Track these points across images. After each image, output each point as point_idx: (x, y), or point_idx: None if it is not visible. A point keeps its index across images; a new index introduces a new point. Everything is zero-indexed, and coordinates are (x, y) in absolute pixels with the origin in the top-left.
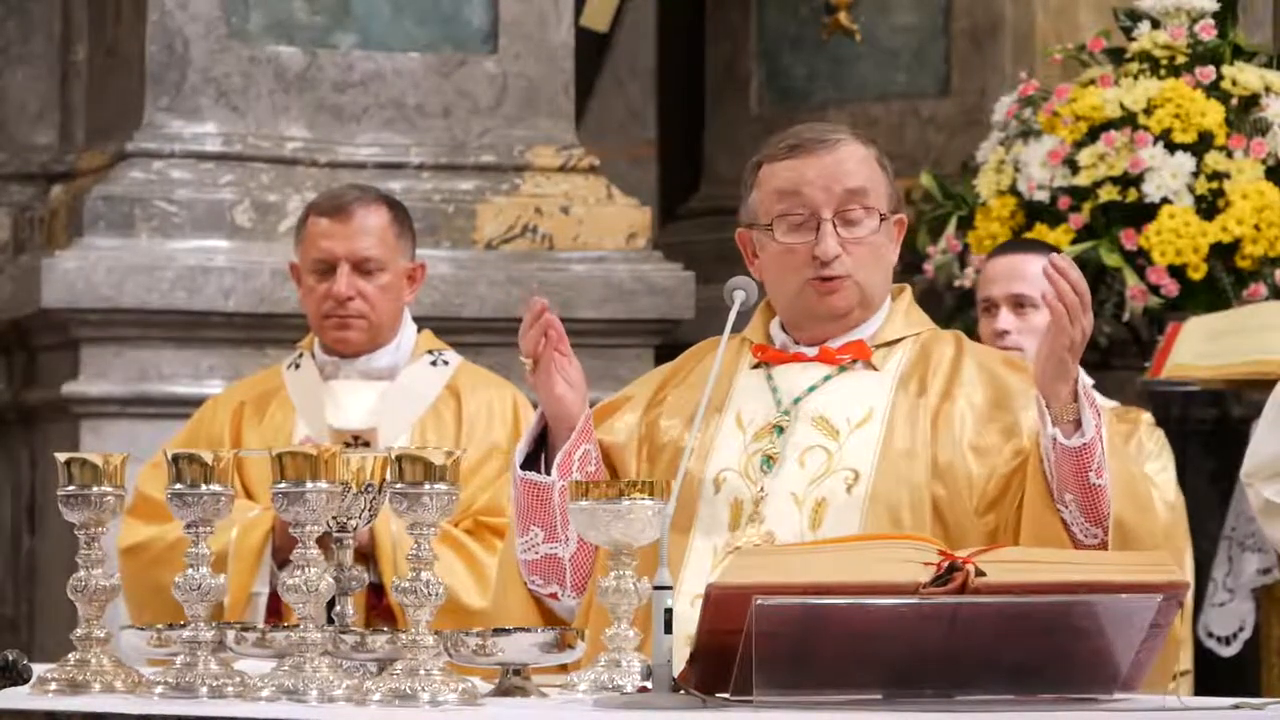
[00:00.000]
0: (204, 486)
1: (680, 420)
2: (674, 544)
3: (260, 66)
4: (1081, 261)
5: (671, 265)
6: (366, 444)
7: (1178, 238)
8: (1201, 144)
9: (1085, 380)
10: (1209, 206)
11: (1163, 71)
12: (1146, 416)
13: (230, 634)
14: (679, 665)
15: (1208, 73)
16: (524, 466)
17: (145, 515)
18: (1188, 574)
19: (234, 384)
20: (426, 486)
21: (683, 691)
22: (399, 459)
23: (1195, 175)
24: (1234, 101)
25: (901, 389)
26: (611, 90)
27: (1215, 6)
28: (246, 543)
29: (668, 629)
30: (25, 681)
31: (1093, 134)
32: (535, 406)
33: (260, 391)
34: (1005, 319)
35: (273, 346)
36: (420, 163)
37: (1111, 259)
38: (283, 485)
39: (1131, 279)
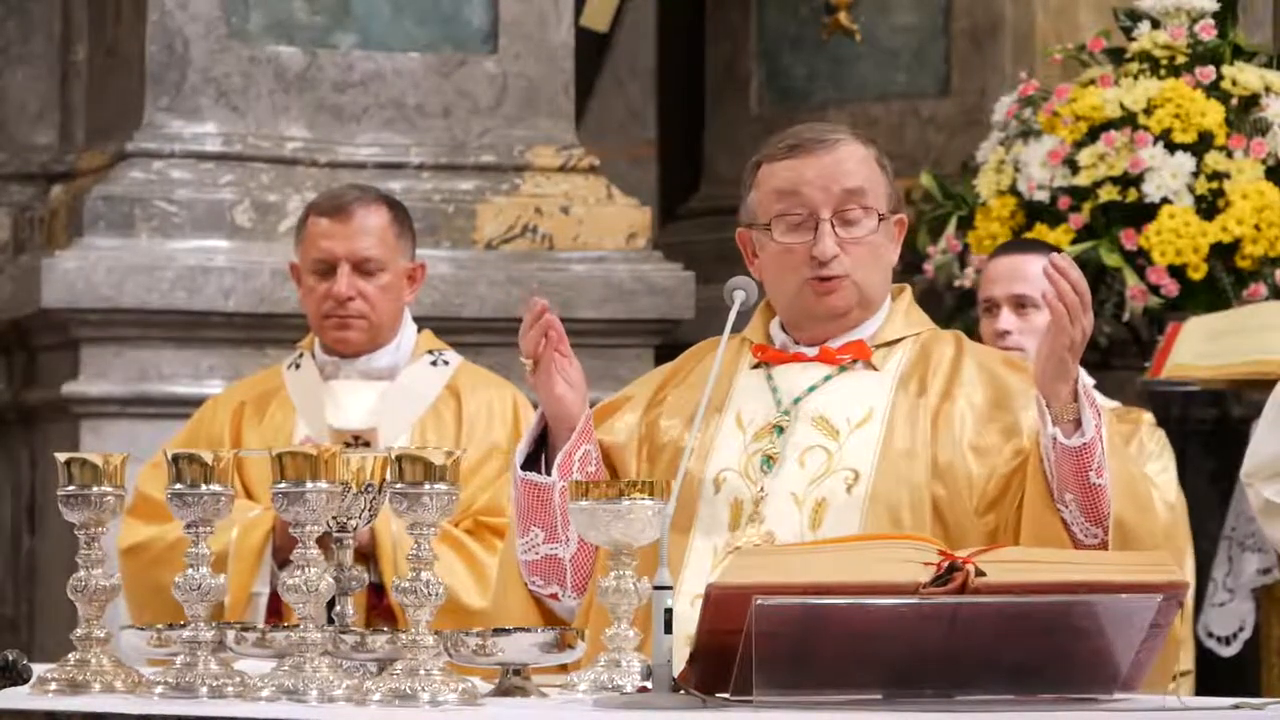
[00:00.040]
0: (204, 486)
1: (680, 420)
2: (674, 544)
3: (260, 66)
4: (1081, 261)
5: (671, 265)
6: (367, 444)
7: (1178, 238)
8: (1201, 144)
9: (1086, 380)
10: (1209, 206)
11: (1163, 71)
12: (1148, 417)
13: (230, 634)
14: (679, 665)
15: (1208, 73)
16: (524, 467)
17: (145, 515)
18: (1188, 574)
19: (234, 384)
20: (426, 486)
21: (683, 691)
22: (399, 459)
23: (1195, 175)
24: (1234, 101)
25: (901, 389)
26: (611, 90)
27: (1215, 6)
28: (247, 543)
29: (668, 629)
30: (25, 681)
31: (1093, 134)
32: (535, 406)
33: (260, 391)
34: (1007, 319)
35: (273, 346)
36: (420, 163)
37: (1111, 259)
38: (283, 485)
39: (1131, 279)
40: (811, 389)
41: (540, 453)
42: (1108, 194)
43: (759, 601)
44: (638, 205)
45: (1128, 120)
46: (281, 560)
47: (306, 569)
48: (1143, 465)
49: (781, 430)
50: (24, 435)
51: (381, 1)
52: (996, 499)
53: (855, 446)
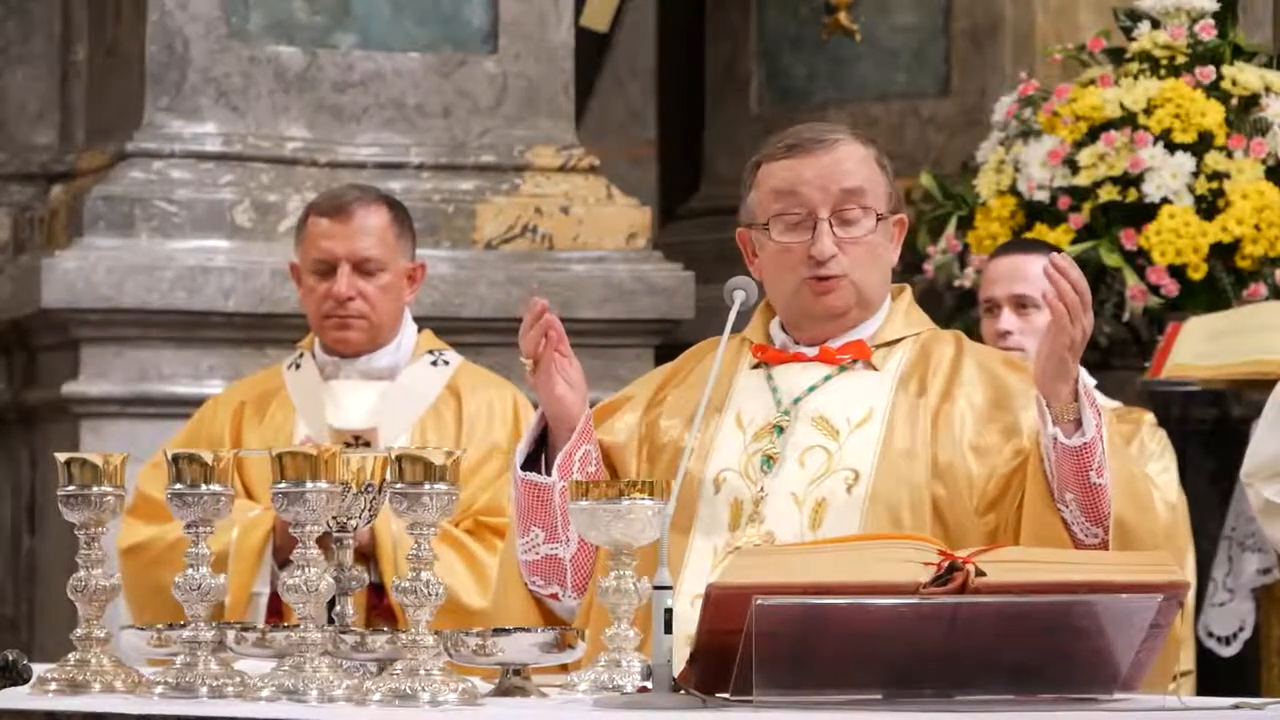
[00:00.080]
0: (204, 486)
1: (680, 420)
2: (674, 544)
3: (260, 66)
4: (1081, 261)
5: (671, 265)
6: (367, 444)
7: (1178, 238)
8: (1201, 144)
9: (1087, 380)
10: (1209, 206)
11: (1163, 71)
12: (1149, 417)
13: (230, 634)
14: (679, 665)
15: (1208, 73)
16: (524, 467)
17: (145, 515)
18: (1189, 574)
19: (234, 384)
20: (426, 486)
21: (683, 691)
22: (399, 459)
23: (1195, 175)
24: (1234, 101)
25: (901, 389)
26: (611, 90)
27: (1215, 6)
28: (247, 543)
29: (668, 629)
30: (25, 681)
31: (1093, 134)
32: (535, 406)
33: (261, 391)
34: (1008, 319)
35: (273, 346)
36: (420, 163)
37: (1111, 259)
38: (283, 485)
39: (1131, 279)
40: (811, 389)
41: (540, 453)
42: (1108, 194)
43: (759, 601)
44: (638, 205)
45: (1128, 120)
46: (282, 560)
47: (306, 569)
48: (1144, 465)
49: (781, 430)
50: (24, 435)
51: (381, 1)
52: (996, 499)
53: (855, 446)
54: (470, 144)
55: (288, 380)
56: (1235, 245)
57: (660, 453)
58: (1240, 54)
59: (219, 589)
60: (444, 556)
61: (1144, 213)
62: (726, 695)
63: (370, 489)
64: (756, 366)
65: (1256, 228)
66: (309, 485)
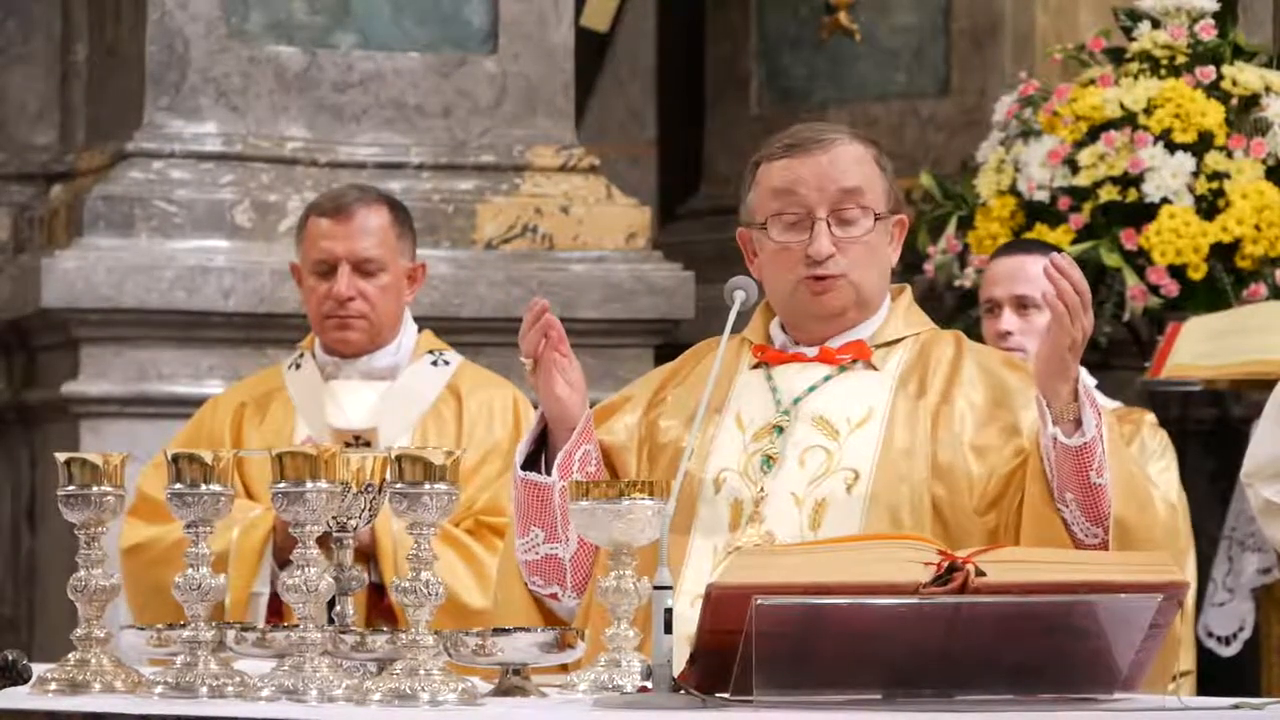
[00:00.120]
0: (204, 486)
1: (680, 420)
2: (674, 544)
3: (260, 66)
4: (1081, 261)
5: (671, 265)
6: (367, 444)
7: (1178, 238)
8: (1201, 144)
9: (1088, 381)
10: (1209, 206)
11: (1163, 71)
12: (1150, 417)
13: (230, 634)
14: (679, 665)
15: (1208, 73)
16: (525, 467)
17: (146, 515)
18: (1190, 574)
19: (235, 384)
20: (426, 486)
21: (683, 691)
22: (399, 459)
23: (1195, 175)
24: (1234, 101)
25: (901, 389)
26: (611, 90)
27: (1215, 6)
28: (247, 543)
29: (668, 629)
30: (25, 681)
31: (1093, 134)
32: (535, 406)
33: (261, 391)
34: (1008, 320)
35: (272, 346)
36: (420, 163)
37: (1111, 259)
38: (282, 485)
39: (1131, 279)
40: (811, 389)
41: (541, 453)
42: (1108, 194)
43: (759, 601)
44: (638, 205)
45: (1128, 120)
46: (282, 560)
47: (306, 569)
48: (1145, 465)
49: (781, 430)
50: (24, 435)
51: (381, 1)
52: (996, 499)
53: (855, 446)
54: (470, 144)
55: (288, 380)
56: (1235, 245)
57: (660, 453)
58: (1240, 54)
59: (219, 589)
60: (444, 556)
61: (1144, 213)
62: (726, 695)
63: (370, 489)
64: (756, 366)
65: (1256, 228)
66: (309, 485)
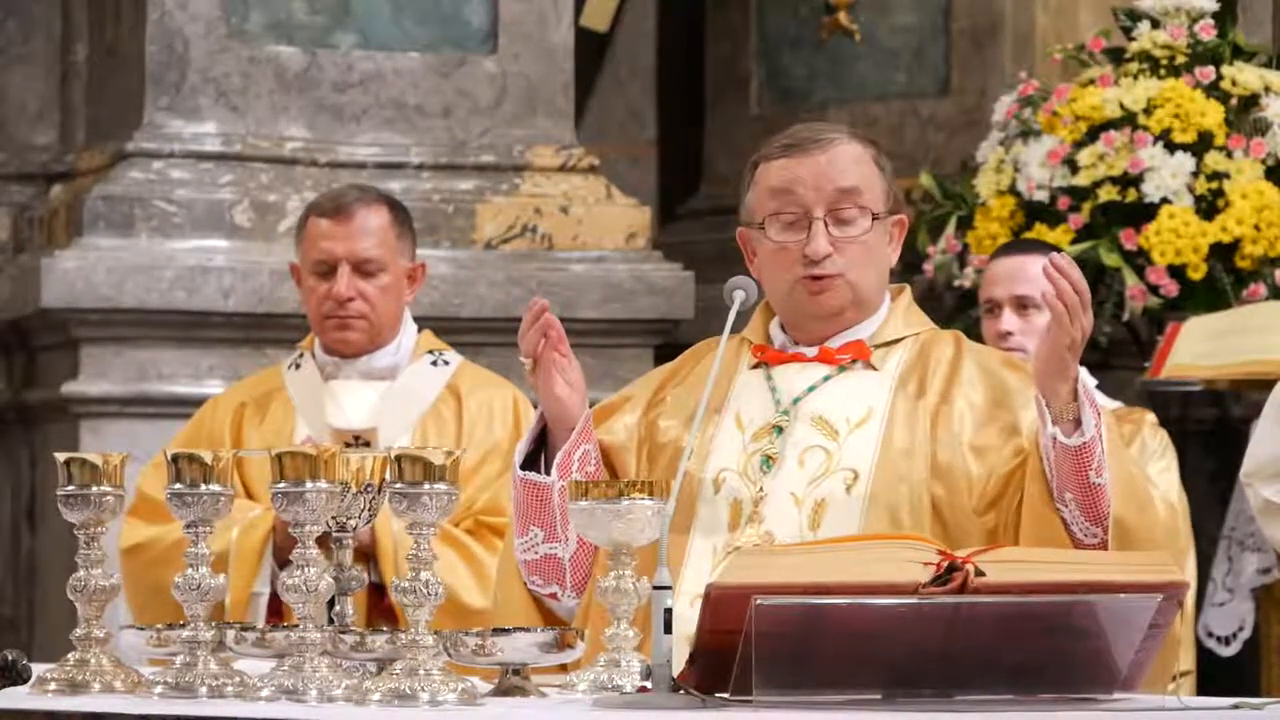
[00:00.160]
0: (204, 486)
1: (680, 420)
2: (673, 544)
3: (260, 66)
4: (1081, 261)
5: (671, 265)
6: (367, 444)
7: (1177, 238)
8: (1201, 144)
9: (1088, 381)
10: (1209, 206)
11: (1162, 71)
12: (1150, 417)
13: (230, 634)
14: (679, 665)
15: (1207, 73)
16: (524, 466)
17: (146, 515)
18: (1189, 574)
19: (234, 384)
20: (426, 486)
21: (683, 691)
22: (399, 459)
23: (1195, 175)
24: (1234, 101)
25: (901, 389)
26: (611, 90)
27: (1215, 6)
28: (247, 542)
29: (668, 629)
30: (25, 681)
31: (1092, 134)
32: (535, 406)
33: (261, 391)
34: (1009, 320)
35: (272, 346)
36: (420, 163)
37: (1111, 259)
38: (282, 485)
39: (1131, 279)
40: (811, 389)
41: (540, 452)
42: (1107, 194)
43: (759, 601)
44: (637, 205)
45: (1127, 120)
46: (282, 560)
47: (306, 569)
48: (1145, 465)
49: (781, 430)
50: (24, 435)
51: (381, 1)
52: (996, 498)
53: (854, 446)
54: (470, 144)
55: (288, 380)
56: (1235, 245)
57: (660, 453)
58: (1240, 54)
59: (219, 589)
60: (444, 556)
61: (1144, 213)
62: (726, 695)
63: (370, 489)
64: (756, 366)
65: (1256, 228)
66: (308, 485)
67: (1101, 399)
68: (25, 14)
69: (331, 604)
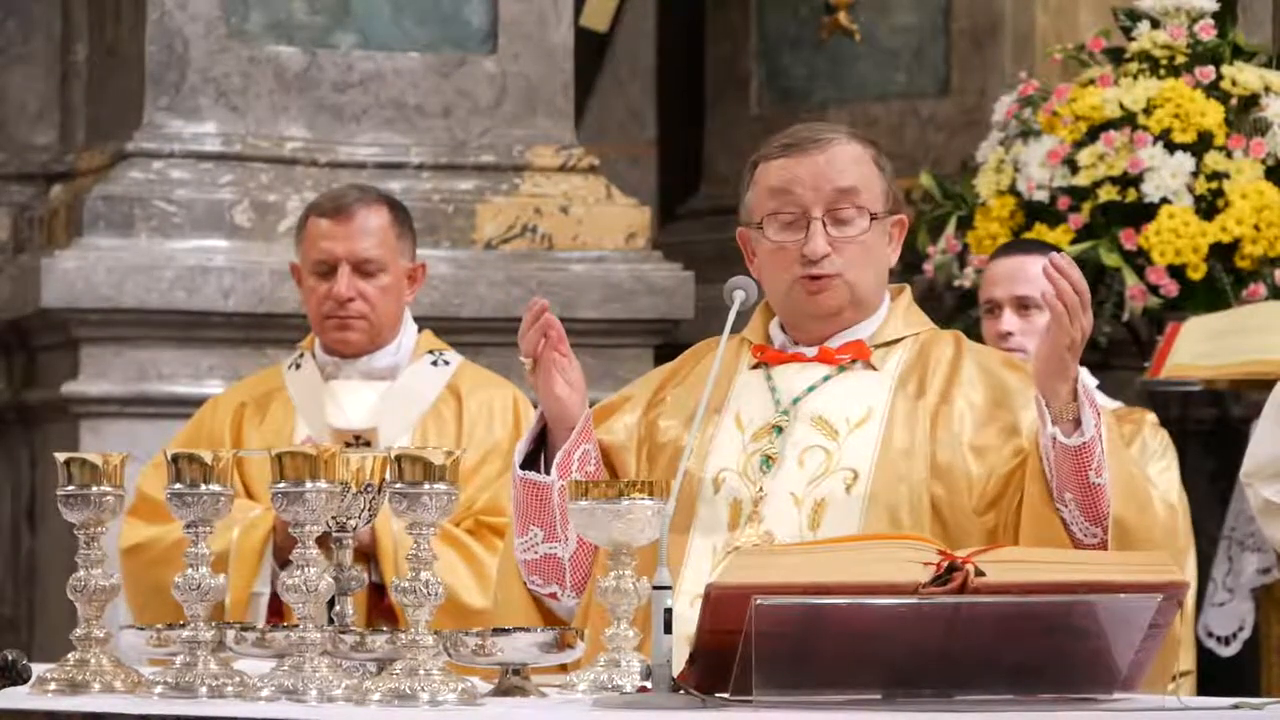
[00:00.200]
0: (204, 486)
1: (680, 420)
2: (673, 544)
3: (260, 66)
4: (1081, 261)
5: (671, 265)
6: (367, 444)
7: (1177, 238)
8: (1201, 144)
9: (1089, 381)
10: (1208, 206)
11: (1162, 71)
12: (1150, 416)
13: (230, 634)
14: (679, 665)
15: (1207, 73)
16: (524, 466)
17: (146, 515)
18: (1190, 574)
19: (235, 384)
20: (426, 486)
21: (683, 691)
22: (399, 459)
23: (1195, 175)
24: (1233, 101)
25: (900, 389)
26: (611, 90)
27: (1215, 6)
28: (248, 542)
29: (667, 629)
30: (25, 681)
31: (1092, 134)
32: (535, 406)
33: (261, 391)
34: (1009, 320)
35: (272, 346)
36: (420, 163)
37: (1111, 259)
38: (282, 485)
39: (1131, 279)
40: (810, 389)
41: (540, 452)
42: (1107, 194)
43: (759, 601)
44: (637, 205)
45: (1127, 120)
46: (282, 560)
47: (306, 569)
48: (1146, 464)
49: (780, 430)
50: (24, 435)
51: (381, 1)
52: (996, 498)
53: (854, 446)
54: (470, 144)
55: (288, 380)
56: (1235, 245)
57: (659, 452)
58: (1240, 54)
59: (219, 589)
60: (445, 556)
61: (1143, 213)
62: (726, 695)
63: (370, 489)
64: (756, 366)
65: (1256, 228)
66: (308, 485)
67: (1102, 399)
68: (25, 14)
69: (331, 604)
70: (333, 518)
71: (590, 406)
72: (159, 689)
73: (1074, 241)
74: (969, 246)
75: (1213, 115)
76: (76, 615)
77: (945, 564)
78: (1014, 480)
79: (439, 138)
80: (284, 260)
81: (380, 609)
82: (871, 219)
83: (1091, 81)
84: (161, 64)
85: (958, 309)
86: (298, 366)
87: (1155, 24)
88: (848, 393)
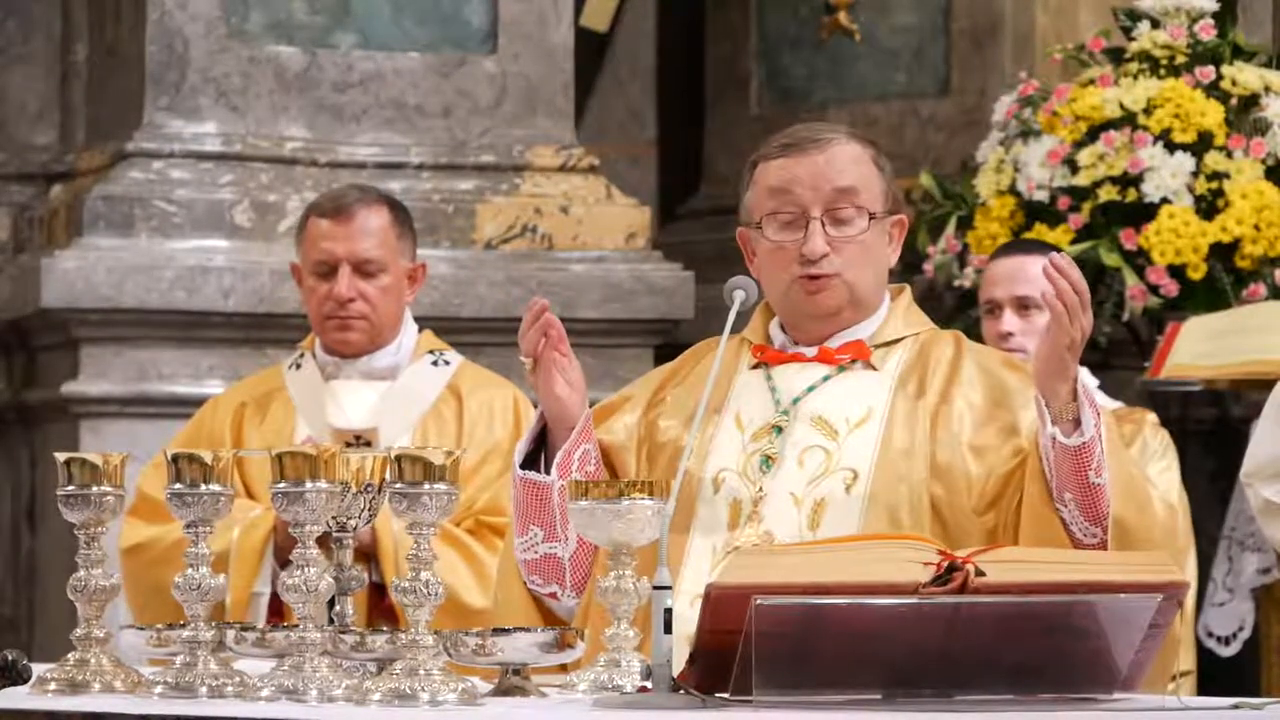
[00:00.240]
0: (204, 486)
1: (679, 420)
2: (673, 544)
3: (260, 66)
4: (1081, 261)
5: (671, 265)
6: (368, 444)
7: (1177, 238)
8: (1201, 144)
9: (1090, 381)
10: (1208, 206)
11: (1162, 71)
12: (1151, 416)
13: (230, 634)
14: (679, 665)
15: (1207, 73)
16: (524, 466)
17: (146, 515)
18: (1190, 574)
19: (235, 384)
20: (426, 486)
21: (682, 691)
22: (399, 459)
23: (1195, 175)
24: (1233, 101)
25: (900, 389)
26: (611, 90)
27: (1215, 6)
28: (248, 542)
29: (668, 629)
30: (25, 681)
31: (1092, 134)
32: (536, 406)
33: (262, 391)
34: (1010, 321)
35: (272, 346)
36: (420, 163)
37: (1111, 259)
38: (282, 485)
39: (1131, 279)
40: (810, 389)
41: (540, 452)
42: (1107, 194)
43: (759, 601)
44: (637, 205)
45: (1127, 120)
46: (283, 560)
47: (306, 569)
48: (1146, 464)
49: (780, 430)
50: (24, 435)
51: (381, 1)
52: (995, 498)
53: (854, 446)
54: (470, 144)
55: (288, 380)
56: (1235, 245)
57: (659, 452)
58: (1240, 54)
59: (219, 589)
60: (445, 556)
61: (1144, 213)
62: (726, 695)
63: (370, 489)
64: (756, 366)
65: (1256, 228)
66: (308, 485)
67: (1102, 399)
68: (25, 14)
69: (332, 604)
70: (333, 518)
71: (590, 406)
72: (159, 689)
73: (1074, 241)
74: (969, 246)
75: (1213, 115)
76: (76, 615)
77: (945, 564)
78: (1013, 480)
79: (439, 138)
80: (284, 260)
81: (380, 609)
82: (871, 219)
83: (1091, 81)
84: (161, 64)
85: (958, 309)
86: (298, 366)
87: (1155, 24)
88: (847, 393)
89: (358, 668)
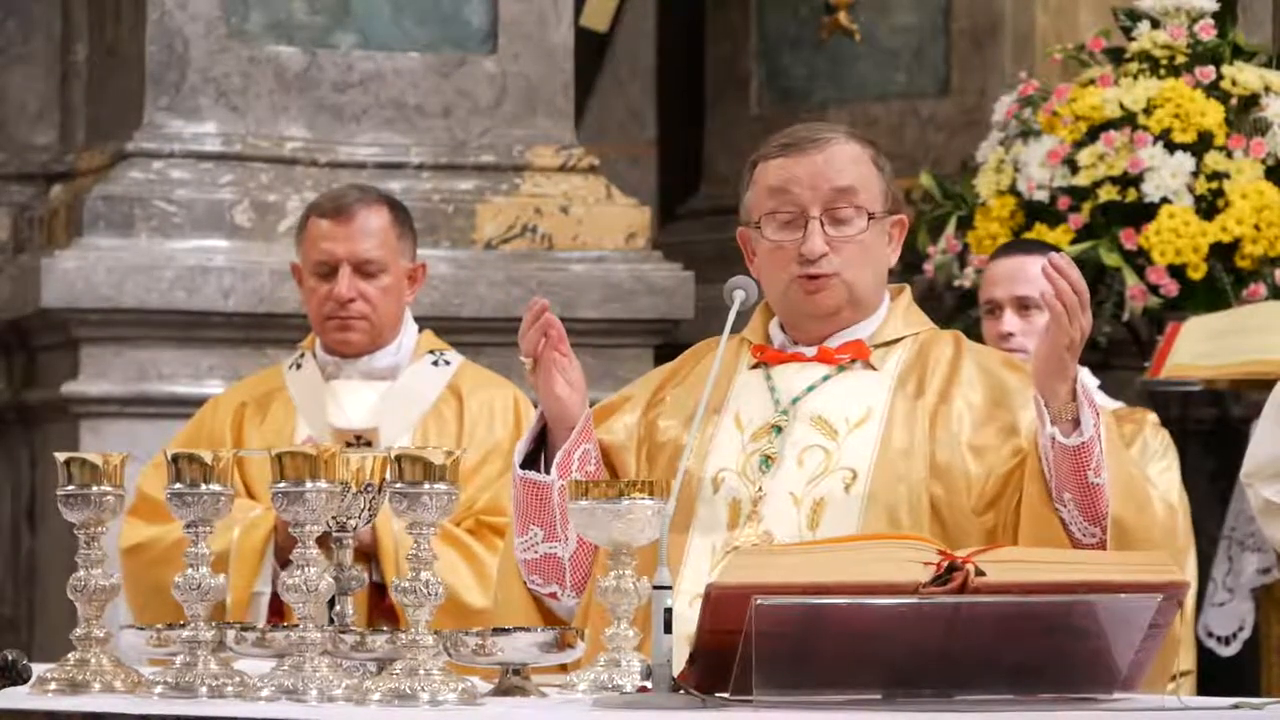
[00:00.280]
0: (204, 486)
1: (679, 420)
2: (672, 544)
3: (260, 66)
4: (1081, 261)
5: (671, 265)
6: (368, 444)
7: (1177, 237)
8: (1201, 144)
9: (1090, 381)
10: (1209, 206)
11: (1162, 71)
12: (1152, 416)
13: (230, 634)
14: (679, 665)
15: (1207, 73)
16: (524, 466)
17: (146, 515)
18: (1190, 574)
19: (235, 384)
20: (426, 486)
21: (682, 691)
22: (399, 459)
23: (1195, 175)
24: (1234, 101)
25: (900, 389)
26: (611, 90)
27: (1215, 6)
28: (248, 542)
29: (667, 629)
30: (25, 681)
31: (1092, 134)
32: (536, 406)
33: (262, 391)
34: (1010, 321)
35: (272, 346)
36: (420, 163)
37: (1111, 259)
38: (282, 485)
39: (1131, 279)
40: (810, 389)
41: (540, 452)
42: (1107, 194)
43: (759, 601)
44: (637, 205)
45: (1127, 120)
46: (283, 560)
47: (306, 569)
48: (1146, 464)
49: (780, 430)
50: (24, 435)
51: (381, 1)
52: (995, 498)
53: (853, 446)
54: (470, 144)
55: (289, 380)
56: (1235, 245)
57: (659, 452)
58: (1240, 54)
59: (219, 589)
60: (445, 556)
61: (1144, 212)
62: (726, 695)
63: (370, 489)
64: (755, 366)
65: (1256, 228)
66: (308, 485)
67: (1102, 399)
68: (25, 14)
69: (332, 604)
70: (333, 518)
71: (590, 406)
72: (159, 689)
73: (1074, 241)
74: (969, 246)
75: (1213, 115)
76: (76, 615)
77: (945, 564)
78: (1013, 480)
79: (439, 138)
80: (284, 260)
81: (381, 609)
82: (870, 219)
83: (1091, 81)
84: (161, 64)
85: (958, 309)
86: (298, 366)
87: (1155, 24)
88: (847, 392)
89: (358, 668)
